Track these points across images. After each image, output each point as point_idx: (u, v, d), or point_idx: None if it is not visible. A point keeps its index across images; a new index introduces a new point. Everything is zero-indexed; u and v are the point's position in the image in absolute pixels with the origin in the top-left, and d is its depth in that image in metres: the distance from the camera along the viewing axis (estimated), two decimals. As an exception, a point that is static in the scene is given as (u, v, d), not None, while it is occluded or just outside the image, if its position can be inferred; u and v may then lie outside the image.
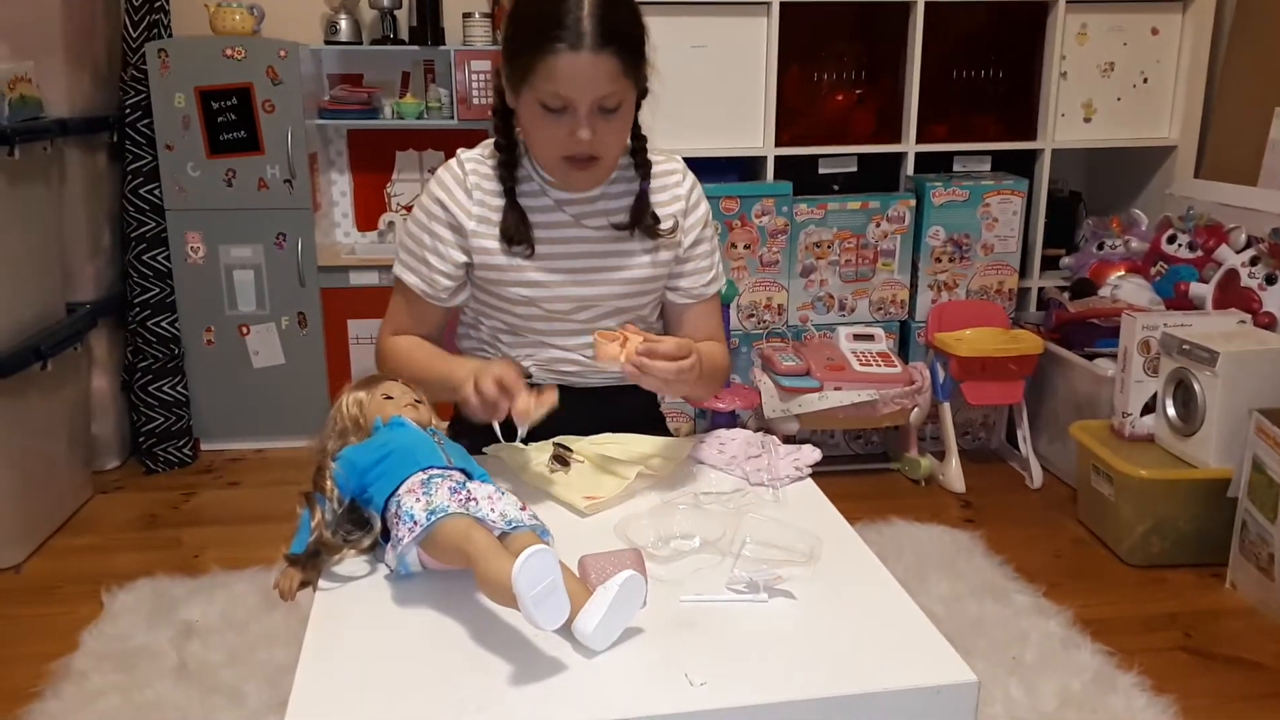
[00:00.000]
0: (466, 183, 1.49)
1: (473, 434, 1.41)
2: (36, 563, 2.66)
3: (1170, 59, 3.32)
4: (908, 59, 3.20)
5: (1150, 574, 2.56)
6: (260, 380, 3.37)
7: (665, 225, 1.51)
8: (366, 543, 1.16)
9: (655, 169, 1.53)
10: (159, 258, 3.23)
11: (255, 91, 3.16)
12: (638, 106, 1.46)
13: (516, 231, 1.46)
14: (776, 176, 3.19)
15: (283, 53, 3.15)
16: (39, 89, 2.78)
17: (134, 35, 3.16)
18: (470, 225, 1.48)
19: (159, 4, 3.20)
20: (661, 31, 3.16)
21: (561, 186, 1.48)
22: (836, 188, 3.30)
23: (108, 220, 3.23)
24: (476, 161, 1.50)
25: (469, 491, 1.12)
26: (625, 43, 1.34)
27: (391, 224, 3.65)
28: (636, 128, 1.50)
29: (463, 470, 1.20)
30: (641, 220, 1.49)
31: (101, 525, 2.89)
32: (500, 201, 1.48)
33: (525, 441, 1.49)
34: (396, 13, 3.38)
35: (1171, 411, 2.61)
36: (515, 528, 1.10)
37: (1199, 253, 3.02)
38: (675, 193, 1.54)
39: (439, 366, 1.48)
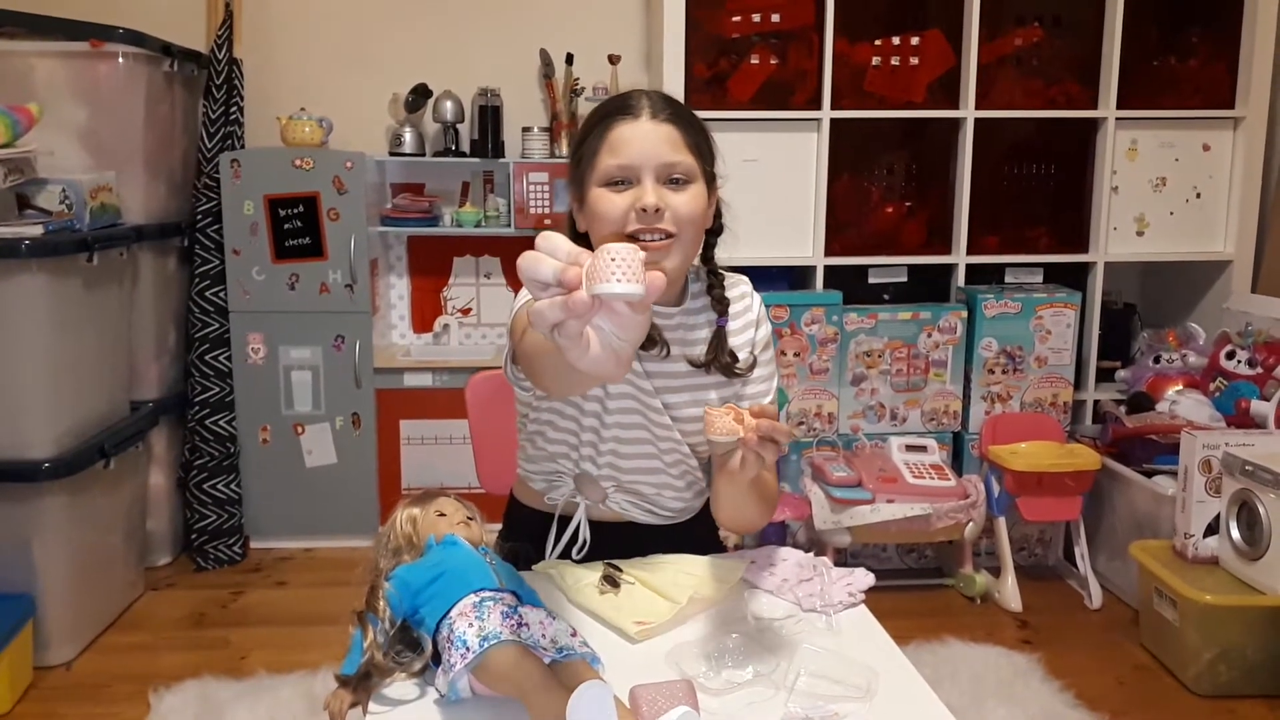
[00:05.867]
0: None
1: (526, 555, 1.41)
2: (87, 659, 2.68)
3: (1223, 175, 3.33)
4: (958, 171, 3.24)
5: (1219, 705, 2.46)
6: (312, 479, 3.41)
7: (742, 362, 1.46)
8: (417, 666, 1.16)
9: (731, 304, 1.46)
10: (221, 358, 3.32)
11: (321, 200, 3.28)
12: (716, 222, 1.44)
13: None
14: (826, 286, 3.22)
15: (349, 164, 3.28)
16: (119, 197, 2.91)
17: (209, 146, 3.31)
18: None
19: (234, 117, 3.36)
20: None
21: None
22: (887, 297, 3.31)
23: (174, 321, 3.33)
24: None
25: (520, 616, 1.12)
26: (686, 119, 1.36)
27: (447, 327, 3.72)
28: (713, 263, 1.47)
29: (514, 593, 1.20)
30: (718, 359, 1.43)
31: (151, 623, 2.91)
32: None
33: (577, 559, 1.49)
34: (459, 126, 3.51)
35: (1236, 534, 2.53)
36: (567, 656, 1.09)
37: (1259, 369, 2.97)
38: (748, 319, 1.50)
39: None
